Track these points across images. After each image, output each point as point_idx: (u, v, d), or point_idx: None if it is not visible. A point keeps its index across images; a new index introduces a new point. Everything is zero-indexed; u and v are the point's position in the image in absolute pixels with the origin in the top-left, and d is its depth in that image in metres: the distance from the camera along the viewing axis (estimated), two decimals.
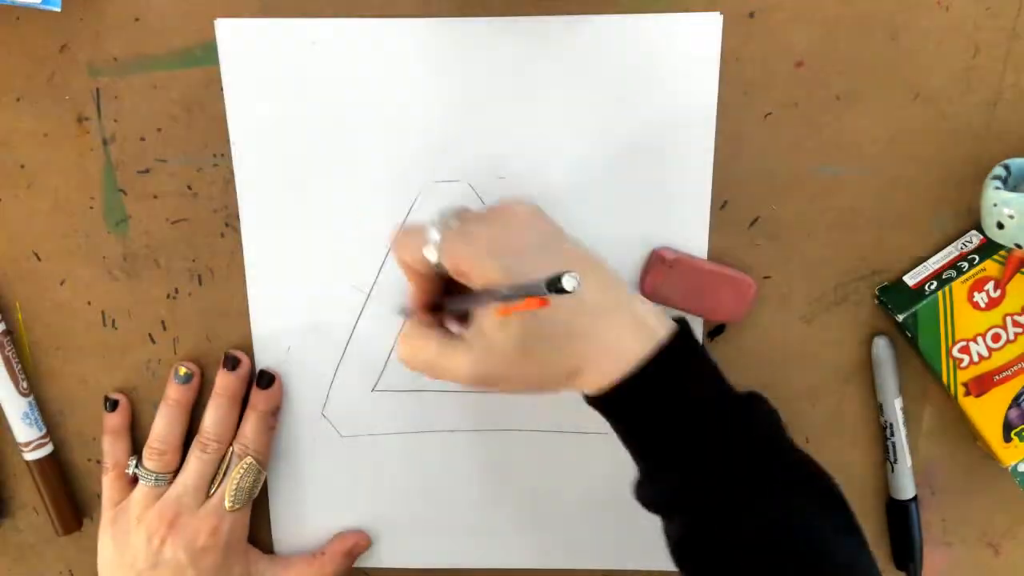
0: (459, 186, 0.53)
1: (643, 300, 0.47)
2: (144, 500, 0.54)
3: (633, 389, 0.44)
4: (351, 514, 0.59)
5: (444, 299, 0.49)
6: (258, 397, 0.55)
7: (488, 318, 0.44)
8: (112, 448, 0.56)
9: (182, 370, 0.55)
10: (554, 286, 0.36)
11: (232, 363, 0.55)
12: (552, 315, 0.42)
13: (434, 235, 0.45)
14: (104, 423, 0.56)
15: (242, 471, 0.54)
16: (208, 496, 0.55)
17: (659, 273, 0.52)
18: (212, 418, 0.55)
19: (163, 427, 0.55)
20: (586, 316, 0.44)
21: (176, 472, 0.55)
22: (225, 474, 0.55)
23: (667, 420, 0.44)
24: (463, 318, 0.48)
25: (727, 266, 0.53)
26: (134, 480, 0.56)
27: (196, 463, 0.54)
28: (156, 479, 0.54)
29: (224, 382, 0.55)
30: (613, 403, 0.45)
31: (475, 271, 0.44)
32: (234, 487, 0.54)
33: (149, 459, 0.55)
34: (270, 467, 0.58)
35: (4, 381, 0.55)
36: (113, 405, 0.56)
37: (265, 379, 0.55)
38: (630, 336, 0.44)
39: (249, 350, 0.56)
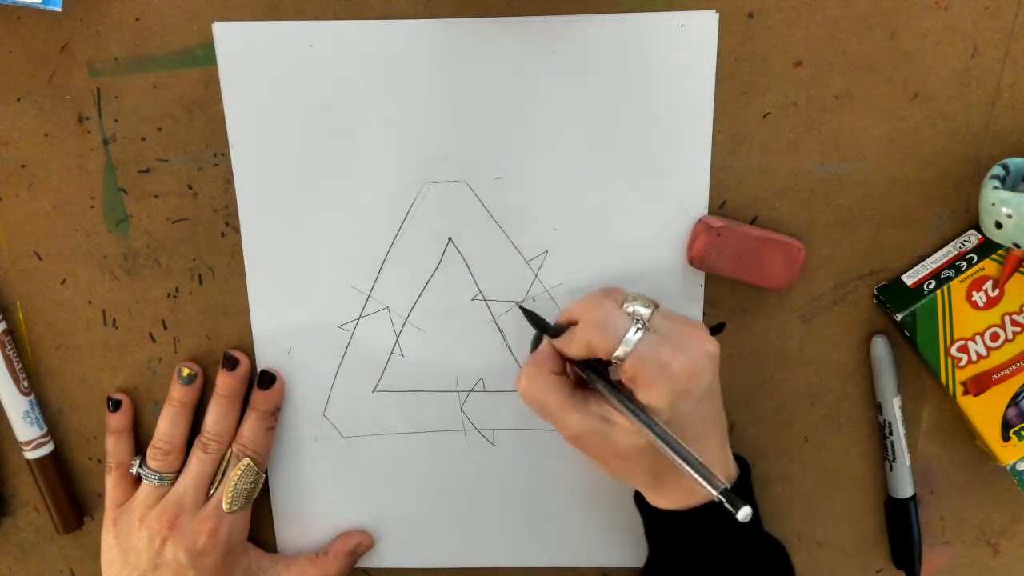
0: (458, 186, 0.53)
1: (725, 442, 0.50)
2: (147, 500, 0.55)
3: (690, 519, 0.49)
4: (352, 514, 0.59)
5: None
6: (258, 397, 0.55)
7: (623, 421, 0.47)
8: (115, 448, 0.56)
9: (185, 371, 0.55)
10: (719, 489, 0.42)
11: (231, 363, 0.55)
12: (679, 430, 0.45)
13: (632, 336, 0.46)
14: (107, 423, 0.56)
15: (240, 472, 0.55)
16: (208, 497, 0.55)
17: (706, 241, 0.51)
18: (212, 418, 0.55)
19: (167, 427, 0.55)
20: (696, 442, 0.47)
21: (179, 472, 0.55)
22: (224, 475, 0.55)
23: (702, 553, 0.50)
24: (582, 375, 0.50)
25: (775, 231, 0.53)
26: (137, 480, 0.56)
27: (197, 463, 0.55)
28: (160, 479, 0.55)
29: (224, 382, 0.55)
30: (667, 522, 0.50)
31: (646, 389, 0.46)
32: (231, 489, 0.54)
33: (153, 459, 0.55)
34: (272, 467, 0.58)
35: (5, 380, 0.55)
36: (116, 405, 0.56)
37: (266, 380, 0.55)
38: (718, 469, 0.49)
39: (250, 350, 0.56)
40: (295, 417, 0.57)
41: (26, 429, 0.56)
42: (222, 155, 0.53)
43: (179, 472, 0.55)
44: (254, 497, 0.56)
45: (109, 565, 0.56)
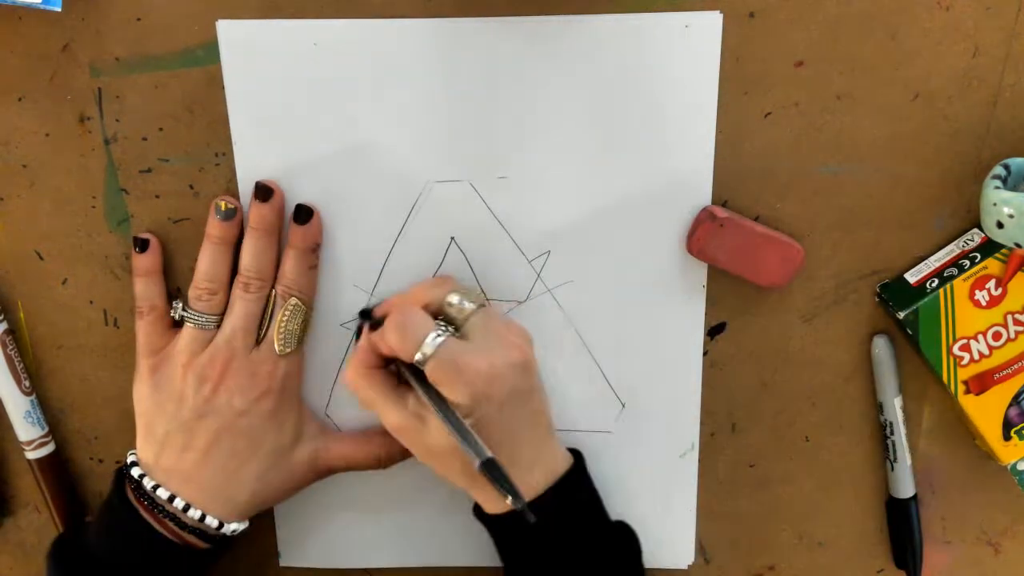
0: (461, 186, 0.53)
1: (545, 441, 0.51)
2: (191, 345, 0.52)
3: (517, 521, 0.49)
4: (355, 513, 0.59)
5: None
6: (296, 234, 0.52)
7: (434, 419, 0.47)
8: (146, 290, 0.53)
9: (223, 204, 0.51)
10: (491, 472, 0.43)
11: (264, 193, 0.51)
12: (485, 432, 0.46)
13: (431, 340, 0.46)
14: (134, 265, 0.53)
15: (288, 313, 0.52)
16: (258, 342, 0.52)
17: (708, 230, 0.52)
18: (250, 253, 0.52)
19: (208, 265, 0.52)
20: (506, 445, 0.47)
21: (222, 317, 0.52)
22: (271, 318, 0.52)
23: (541, 551, 0.50)
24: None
25: (777, 231, 0.53)
26: (177, 325, 0.53)
27: (241, 304, 0.52)
28: (205, 321, 0.52)
29: (259, 214, 0.51)
30: (502, 527, 0.51)
31: (447, 392, 0.46)
32: (282, 330, 0.52)
33: (198, 300, 0.52)
34: None
35: (6, 380, 0.55)
36: (143, 245, 0.53)
37: (302, 214, 0.52)
38: (538, 468, 0.50)
39: None
40: None
41: (27, 429, 0.56)
42: (223, 155, 0.53)
43: (223, 316, 0.52)
44: (304, 339, 0.53)
45: (143, 416, 0.53)
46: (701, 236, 0.52)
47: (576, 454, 0.53)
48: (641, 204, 0.53)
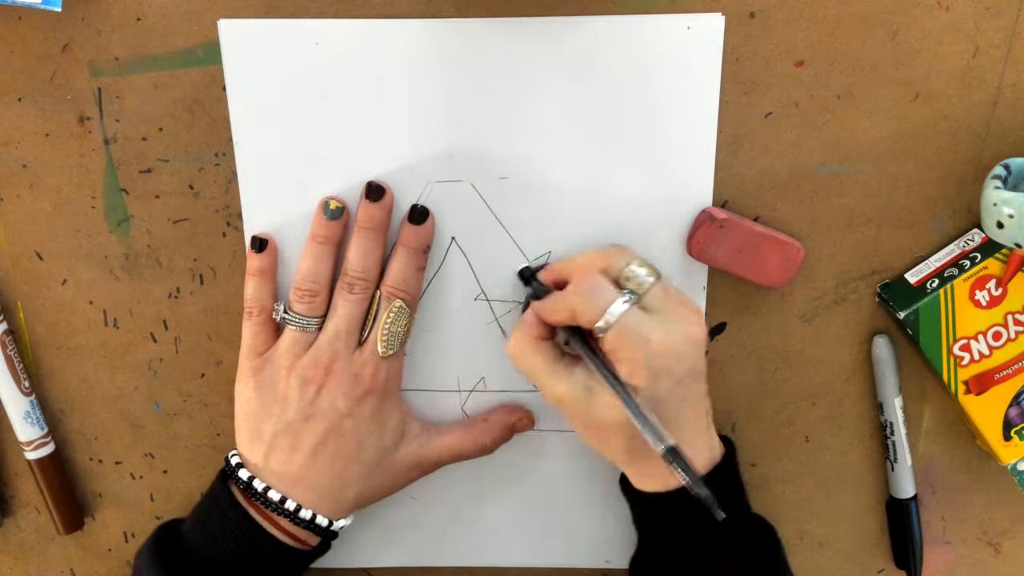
0: (462, 186, 0.53)
1: (708, 424, 0.50)
2: (293, 348, 0.51)
3: (669, 501, 0.49)
4: (355, 513, 0.59)
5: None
6: (409, 233, 0.52)
7: (604, 393, 0.46)
8: (257, 291, 0.52)
9: (332, 203, 0.51)
10: (676, 459, 0.44)
11: (376, 193, 0.51)
12: (658, 409, 0.45)
13: (616, 308, 0.46)
14: (249, 265, 0.53)
15: (392, 315, 0.51)
16: (360, 343, 0.52)
17: (708, 231, 0.51)
18: (357, 253, 0.51)
19: (311, 266, 0.51)
20: (673, 423, 0.46)
21: (324, 318, 0.52)
22: (375, 319, 0.51)
23: (685, 536, 0.50)
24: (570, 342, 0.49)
25: (777, 230, 0.53)
26: (279, 327, 0.53)
27: (344, 305, 0.51)
28: (306, 324, 0.51)
29: (368, 214, 0.51)
30: (649, 505, 0.50)
31: (625, 364, 0.45)
32: (386, 332, 0.51)
33: (300, 301, 0.51)
34: None
35: (6, 380, 0.55)
36: (261, 245, 0.52)
37: (417, 214, 0.52)
38: (699, 452, 0.49)
39: None
40: None
41: (27, 429, 0.56)
42: (223, 155, 0.53)
43: (325, 317, 0.52)
44: (407, 341, 0.53)
45: (247, 417, 0.52)
46: (701, 238, 0.52)
47: (728, 443, 0.52)
48: (642, 205, 0.53)
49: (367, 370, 0.51)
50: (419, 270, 0.52)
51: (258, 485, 0.51)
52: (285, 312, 0.52)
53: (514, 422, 0.56)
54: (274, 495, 0.51)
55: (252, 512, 0.51)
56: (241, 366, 0.53)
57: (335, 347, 0.51)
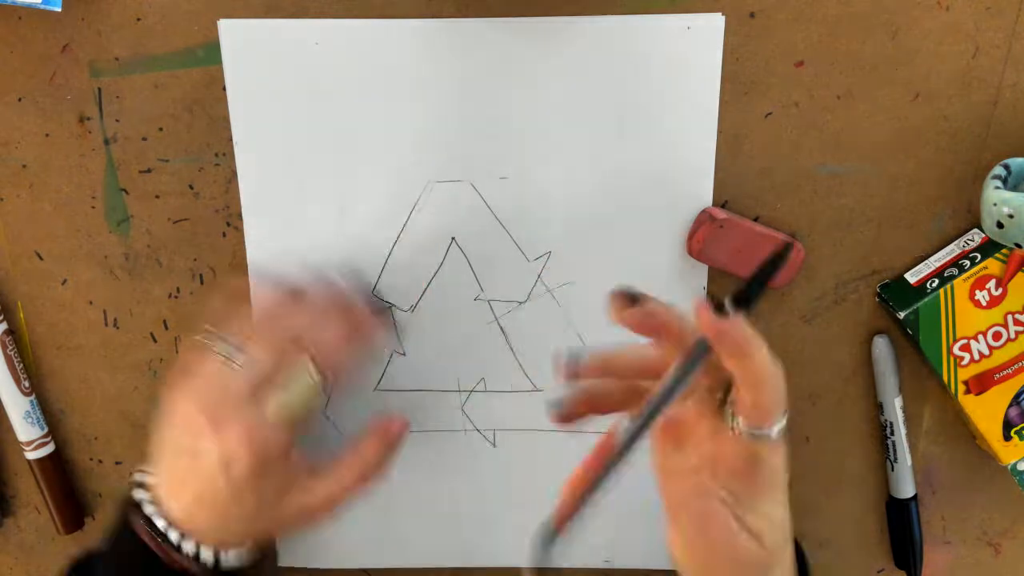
0: (462, 186, 0.53)
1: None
2: (212, 378, 0.47)
3: None
4: (354, 513, 0.59)
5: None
6: (362, 317, 0.51)
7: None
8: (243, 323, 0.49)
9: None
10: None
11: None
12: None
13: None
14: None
15: (296, 378, 0.47)
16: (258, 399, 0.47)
17: (708, 231, 0.52)
18: (309, 320, 0.49)
19: (271, 315, 0.50)
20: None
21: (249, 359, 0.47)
22: (287, 384, 0.47)
23: None
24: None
25: (777, 230, 0.53)
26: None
27: (263, 355, 0.47)
28: (231, 355, 0.47)
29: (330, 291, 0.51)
30: None
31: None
32: (284, 397, 0.47)
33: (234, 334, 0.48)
34: None
35: (6, 380, 0.55)
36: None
37: (377, 307, 0.53)
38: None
39: None
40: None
41: (27, 429, 0.56)
42: (223, 155, 0.53)
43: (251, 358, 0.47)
44: (306, 417, 0.48)
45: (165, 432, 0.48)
46: (701, 238, 0.52)
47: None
48: (642, 205, 0.53)
49: (241, 430, 0.46)
50: (348, 344, 0.50)
51: (151, 512, 0.47)
52: (220, 337, 0.48)
53: (390, 439, 0.51)
54: (162, 524, 0.47)
55: (146, 539, 0.47)
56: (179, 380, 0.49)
57: (227, 392, 0.47)
